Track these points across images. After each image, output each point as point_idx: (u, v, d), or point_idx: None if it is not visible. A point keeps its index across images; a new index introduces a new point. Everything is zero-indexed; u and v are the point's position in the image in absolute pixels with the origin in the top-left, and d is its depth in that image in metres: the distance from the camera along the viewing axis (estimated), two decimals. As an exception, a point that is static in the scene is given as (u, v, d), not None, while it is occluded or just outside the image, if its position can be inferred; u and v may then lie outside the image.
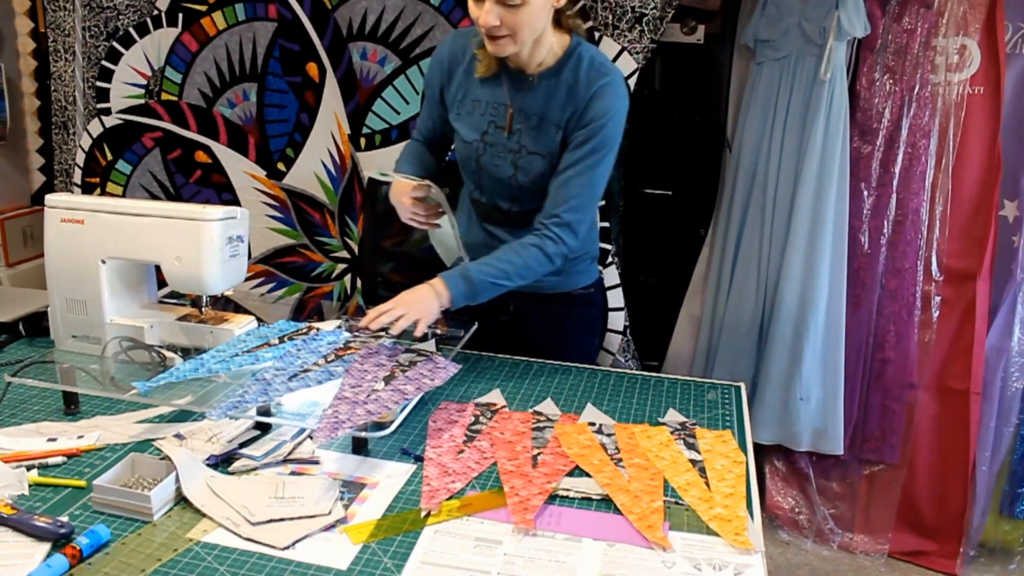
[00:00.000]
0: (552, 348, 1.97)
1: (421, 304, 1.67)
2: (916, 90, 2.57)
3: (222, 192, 2.95)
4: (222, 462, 1.38)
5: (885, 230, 2.67)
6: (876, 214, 2.67)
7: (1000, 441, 2.71)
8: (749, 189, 2.79)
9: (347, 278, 2.94)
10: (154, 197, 2.97)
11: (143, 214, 1.72)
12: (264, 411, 1.49)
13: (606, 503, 1.33)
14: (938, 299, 2.67)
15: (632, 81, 2.46)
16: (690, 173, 3.01)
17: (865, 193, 2.66)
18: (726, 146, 2.92)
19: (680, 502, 1.34)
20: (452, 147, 1.98)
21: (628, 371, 1.93)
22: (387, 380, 1.51)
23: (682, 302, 3.04)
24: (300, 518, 1.23)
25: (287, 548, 1.16)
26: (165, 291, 1.94)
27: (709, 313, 2.95)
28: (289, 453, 1.41)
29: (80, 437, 1.45)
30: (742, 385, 1.85)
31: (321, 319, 1.87)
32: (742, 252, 2.82)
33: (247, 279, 2.96)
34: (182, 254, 1.70)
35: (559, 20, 1.74)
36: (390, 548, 1.18)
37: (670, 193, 3.02)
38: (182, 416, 1.55)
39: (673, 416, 1.67)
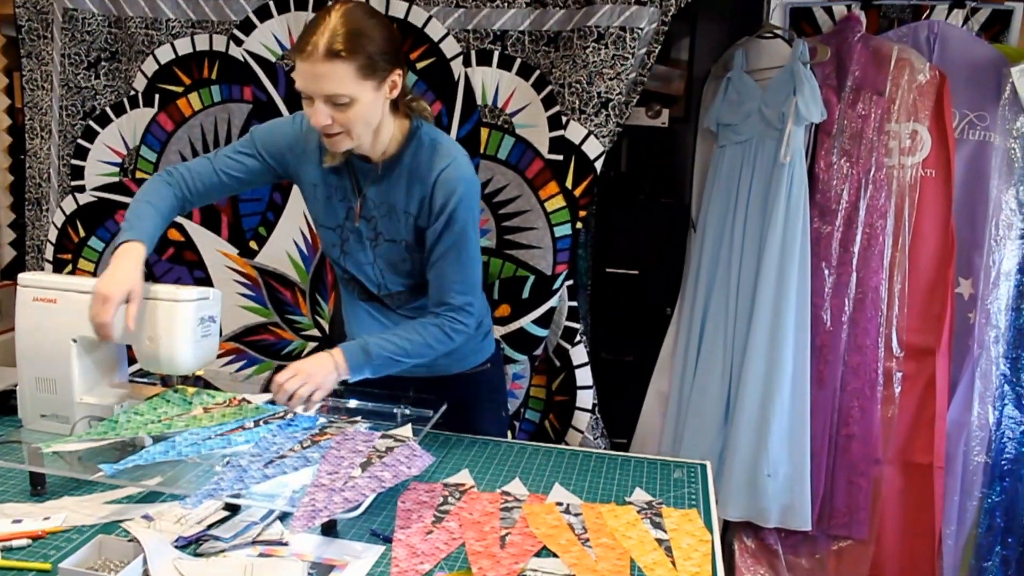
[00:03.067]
0: (460, 429, 1.99)
1: (319, 374, 1.70)
2: (872, 172, 2.66)
3: (194, 270, 2.95)
4: (191, 543, 1.38)
5: (846, 308, 2.73)
6: (837, 292, 2.73)
7: (965, 514, 2.74)
8: (714, 268, 2.85)
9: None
10: (126, 274, 2.97)
11: (116, 295, 1.73)
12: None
13: (573, 583, 1.35)
14: (899, 375, 2.72)
15: (599, 164, 2.53)
16: (656, 252, 3.06)
17: (826, 272, 2.73)
18: (691, 226, 2.98)
19: (646, 582, 1.36)
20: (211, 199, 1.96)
21: (595, 450, 1.95)
22: (364, 466, 1.52)
23: (650, 379, 3.07)
24: (268, 601, 1.23)
25: (255, 632, 1.17)
26: (134, 368, 1.94)
27: (677, 390, 2.98)
28: (258, 534, 1.41)
29: (46, 518, 1.44)
30: (707, 463, 1.87)
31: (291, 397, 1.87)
32: (708, 330, 2.86)
33: (217, 357, 2.96)
34: (154, 334, 1.71)
35: (397, 106, 1.76)
36: (358, 631, 1.19)
37: (636, 272, 3.07)
38: (151, 497, 1.55)
39: (640, 495, 1.69)
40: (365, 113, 1.66)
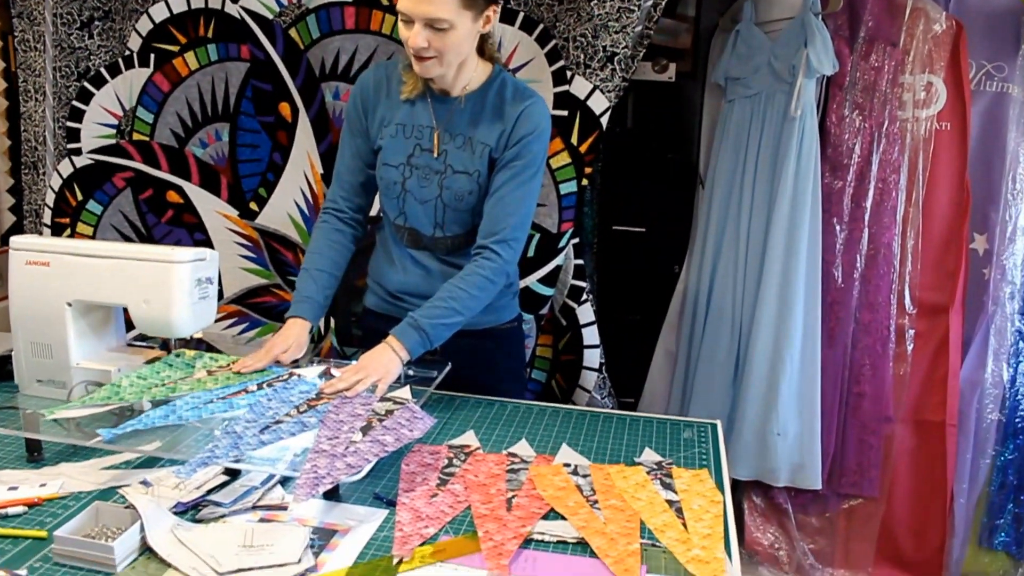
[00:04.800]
0: (481, 384, 1.97)
1: (381, 366, 1.70)
2: (885, 126, 2.60)
3: (194, 232, 2.92)
4: (189, 509, 1.35)
5: (858, 264, 2.68)
6: (848, 249, 2.69)
7: (977, 472, 2.72)
8: (722, 225, 2.81)
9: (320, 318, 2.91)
10: (125, 237, 2.94)
11: (110, 256, 1.69)
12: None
13: (582, 546, 1.31)
14: (912, 332, 2.68)
15: (604, 119, 2.48)
16: (664, 210, 3.02)
17: (837, 228, 2.68)
18: (699, 183, 2.93)
19: (657, 544, 1.32)
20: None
21: (603, 410, 1.91)
22: (364, 430, 1.48)
23: (658, 338, 3.03)
24: (269, 567, 1.20)
25: (255, 599, 1.14)
26: (133, 334, 1.91)
27: (685, 349, 2.95)
28: (259, 499, 1.38)
29: (42, 485, 1.41)
30: (718, 423, 1.84)
31: (295, 362, 1.84)
32: (716, 288, 2.82)
33: (218, 320, 2.93)
34: (150, 297, 1.67)
35: (482, 49, 1.84)
36: (361, 597, 1.16)
37: (644, 230, 3.03)
38: (149, 462, 1.51)
39: (649, 455, 1.65)
40: (459, 41, 1.71)
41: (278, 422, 1.51)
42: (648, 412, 2.14)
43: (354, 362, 1.73)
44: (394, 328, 1.75)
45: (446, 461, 1.58)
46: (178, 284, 1.66)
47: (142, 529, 1.24)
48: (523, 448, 1.67)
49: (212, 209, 2.90)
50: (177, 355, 1.80)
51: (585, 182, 2.54)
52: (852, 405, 2.77)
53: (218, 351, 1.97)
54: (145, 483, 1.41)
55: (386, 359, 1.72)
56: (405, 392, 1.69)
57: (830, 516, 2.84)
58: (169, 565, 1.20)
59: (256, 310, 2.94)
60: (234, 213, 2.89)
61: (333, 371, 1.74)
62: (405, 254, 1.95)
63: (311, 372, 1.73)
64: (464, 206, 1.85)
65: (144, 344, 1.94)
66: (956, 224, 2.62)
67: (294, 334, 1.83)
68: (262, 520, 1.33)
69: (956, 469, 2.68)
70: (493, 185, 1.83)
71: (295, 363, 1.80)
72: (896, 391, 2.71)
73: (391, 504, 1.41)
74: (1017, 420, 2.69)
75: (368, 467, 1.41)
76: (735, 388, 2.82)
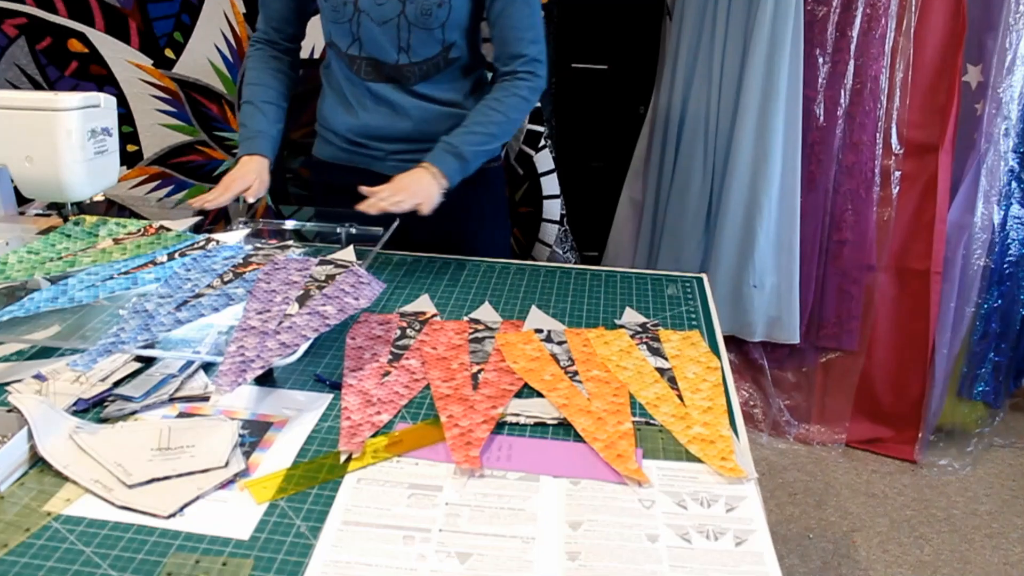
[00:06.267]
0: (460, 239, 1.78)
1: (423, 189, 1.53)
2: (875, -58, 2.35)
3: (104, 86, 2.62)
4: (93, 407, 1.12)
5: (842, 100, 2.48)
6: (832, 83, 2.49)
7: (960, 321, 2.60)
8: (693, 60, 2.60)
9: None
10: (24, 94, 2.62)
11: (-20, 106, 1.41)
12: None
13: (564, 429, 1.12)
14: (898, 174, 2.51)
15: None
16: (627, 45, 2.79)
17: (820, 60, 2.46)
18: (666, 13, 2.68)
19: (652, 422, 1.14)
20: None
21: (574, 266, 1.71)
22: (301, 301, 1.25)
23: (622, 186, 2.83)
24: (190, 474, 0.98)
25: (173, 516, 0.93)
26: (37, 206, 1.64)
27: (652, 197, 2.76)
28: (176, 390, 1.16)
29: (-88, 385, 1.17)
30: (704, 277, 1.67)
31: (228, 223, 1.60)
32: (686, 130, 2.63)
33: (140, 183, 2.66)
34: (33, 153, 1.40)
35: None
36: (303, 506, 0.95)
37: (606, 67, 2.81)
38: (46, 352, 1.27)
39: (631, 316, 1.46)
40: None
41: (198, 296, 1.27)
42: (613, 266, 1.96)
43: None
44: (431, 155, 1.57)
45: (398, 332, 1.37)
46: (65, 136, 1.39)
47: (30, 437, 1.01)
48: (487, 313, 1.46)
49: (122, 58, 2.60)
50: (76, 223, 1.53)
51: (541, 14, 2.28)
52: (832, 253, 2.62)
53: (139, 217, 1.71)
54: (39, 377, 1.18)
55: (426, 182, 1.54)
56: (348, 253, 1.46)
57: (807, 371, 2.73)
58: (66, 479, 0.98)
59: (181, 171, 2.68)
60: (148, 63, 2.60)
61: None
62: (363, 90, 1.68)
63: (234, 237, 1.49)
64: (434, 22, 1.57)
65: (43, 213, 1.67)
66: (950, 54, 2.40)
67: (254, 168, 1.60)
68: (181, 415, 1.11)
69: (939, 318, 2.56)
70: (493, 9, 1.62)
71: (226, 222, 1.55)
72: (879, 238, 2.57)
73: (335, 387, 1.20)
74: (1005, 266, 2.56)
75: (306, 345, 1.19)
76: (707, 238, 2.67)
